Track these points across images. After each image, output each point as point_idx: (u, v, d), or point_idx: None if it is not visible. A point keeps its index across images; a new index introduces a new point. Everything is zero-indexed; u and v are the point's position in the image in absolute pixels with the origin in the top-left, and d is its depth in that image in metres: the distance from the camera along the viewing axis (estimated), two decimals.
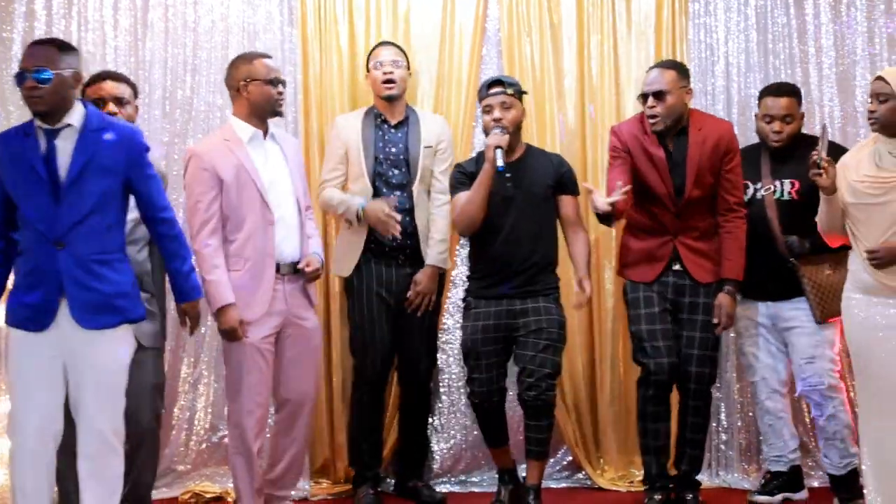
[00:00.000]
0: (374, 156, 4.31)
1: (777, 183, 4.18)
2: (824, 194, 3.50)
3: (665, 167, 4.02)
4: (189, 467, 4.60)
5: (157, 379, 3.77)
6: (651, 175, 4.04)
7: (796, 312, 4.14)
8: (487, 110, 4.06)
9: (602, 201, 3.73)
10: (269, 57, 3.92)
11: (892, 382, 3.36)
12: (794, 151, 4.15)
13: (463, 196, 4.06)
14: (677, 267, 4.09)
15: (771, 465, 4.36)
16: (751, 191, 4.22)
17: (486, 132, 4.08)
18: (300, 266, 3.85)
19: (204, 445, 4.63)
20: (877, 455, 3.44)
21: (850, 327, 3.53)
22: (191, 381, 4.62)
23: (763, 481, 4.38)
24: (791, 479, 4.32)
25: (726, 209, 4.09)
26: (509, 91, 4.05)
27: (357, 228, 4.27)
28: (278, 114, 3.91)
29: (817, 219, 3.63)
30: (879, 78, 3.41)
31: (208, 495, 4.48)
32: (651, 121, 4.01)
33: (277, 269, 3.79)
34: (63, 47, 3.25)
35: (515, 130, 4.07)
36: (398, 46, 4.47)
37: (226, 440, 4.51)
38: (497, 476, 4.27)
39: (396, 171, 4.32)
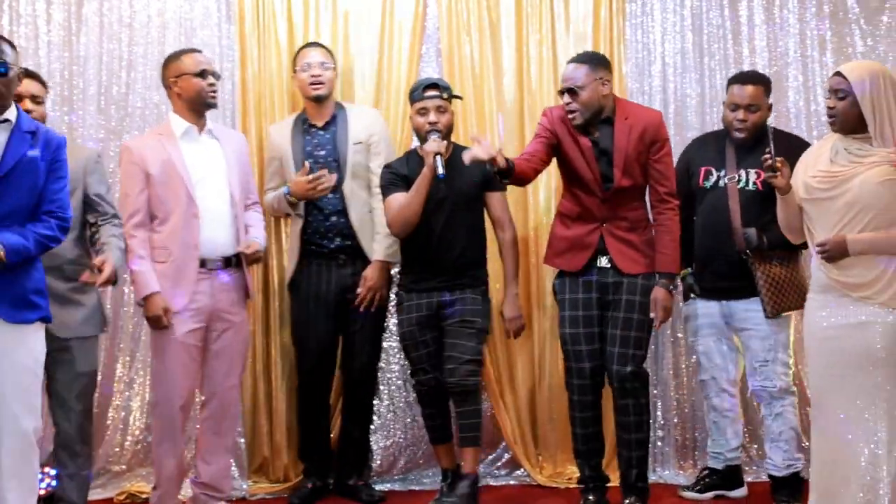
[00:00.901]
0: (302, 161, 4.26)
1: (742, 172, 4.17)
2: (780, 194, 3.50)
3: (592, 155, 3.97)
4: (124, 468, 4.54)
5: (87, 368, 3.77)
6: (578, 161, 4.00)
7: (750, 314, 4.16)
8: (423, 112, 4.08)
9: (477, 150, 3.63)
10: (198, 52, 4.01)
11: (838, 381, 3.35)
12: (761, 142, 4.04)
13: (398, 198, 4.08)
14: (604, 263, 4.03)
15: (709, 461, 4.40)
16: (714, 177, 4.22)
17: (419, 134, 4.12)
18: (240, 249, 3.92)
19: (139, 446, 4.57)
20: (820, 451, 3.44)
21: (805, 327, 3.52)
22: (126, 381, 4.57)
23: (697, 477, 4.42)
24: (726, 477, 4.34)
25: (658, 200, 4.03)
26: (444, 95, 4.09)
27: (293, 233, 4.33)
28: (211, 105, 3.95)
29: (778, 218, 3.62)
30: (838, 73, 3.38)
31: (144, 496, 4.41)
32: (570, 116, 3.97)
33: (204, 265, 3.85)
34: (12, 44, 3.20)
35: (447, 134, 4.11)
36: (325, 47, 4.46)
37: None
38: (440, 475, 4.29)
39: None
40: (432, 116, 4.05)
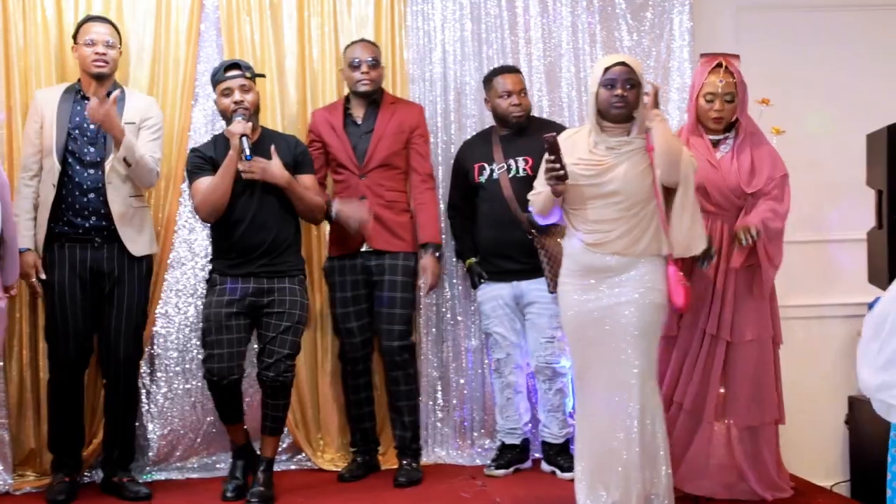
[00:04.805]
0: (67, 131, 4.09)
1: (511, 161, 4.40)
2: (555, 195, 3.56)
3: (343, 133, 4.40)
4: None
5: None
6: (337, 145, 4.40)
7: (540, 292, 4.34)
8: (226, 93, 4.03)
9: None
10: None
11: (597, 357, 3.53)
12: (524, 131, 4.42)
13: (205, 182, 4.02)
14: (366, 248, 4.37)
15: (505, 437, 4.55)
16: (487, 171, 4.43)
17: (225, 116, 4.08)
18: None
19: None
20: (585, 425, 3.61)
21: (564, 310, 3.65)
22: None
23: (497, 454, 4.56)
24: (523, 451, 4.54)
25: (418, 181, 4.41)
26: (247, 74, 4.07)
27: (41, 206, 4.07)
28: None
29: (531, 205, 3.72)
30: (623, 64, 3.51)
31: None
32: (365, 82, 4.38)
33: None
34: None
35: (254, 113, 4.10)
36: (113, 25, 4.25)
37: None
38: (228, 454, 4.34)
39: (92, 149, 4.11)
40: (237, 96, 4.01)
